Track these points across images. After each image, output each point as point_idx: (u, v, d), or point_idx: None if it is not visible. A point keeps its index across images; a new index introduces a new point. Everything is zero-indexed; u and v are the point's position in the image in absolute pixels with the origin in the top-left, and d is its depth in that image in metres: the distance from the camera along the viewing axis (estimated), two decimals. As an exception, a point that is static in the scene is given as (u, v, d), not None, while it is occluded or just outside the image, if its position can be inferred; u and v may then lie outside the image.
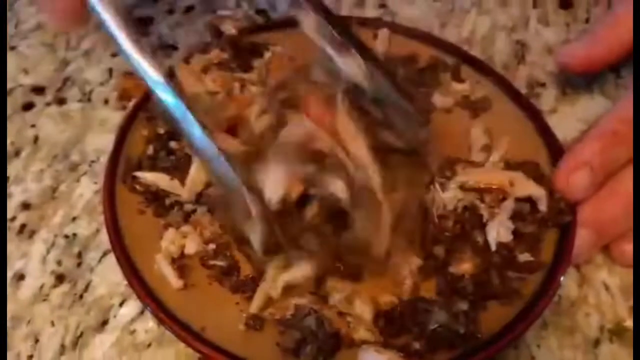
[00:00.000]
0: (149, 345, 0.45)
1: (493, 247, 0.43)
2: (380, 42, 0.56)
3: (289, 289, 0.43)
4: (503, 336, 0.41)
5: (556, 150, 0.49)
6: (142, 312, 0.47)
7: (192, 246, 0.45)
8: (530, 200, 0.44)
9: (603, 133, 0.45)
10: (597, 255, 0.49)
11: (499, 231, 0.42)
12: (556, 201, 0.45)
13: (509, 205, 0.44)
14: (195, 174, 0.47)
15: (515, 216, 0.44)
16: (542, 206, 0.44)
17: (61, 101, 0.60)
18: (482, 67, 0.55)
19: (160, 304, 0.42)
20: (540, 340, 0.45)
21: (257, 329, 0.42)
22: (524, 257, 0.43)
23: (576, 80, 0.59)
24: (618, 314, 0.46)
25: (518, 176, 0.45)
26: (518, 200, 0.44)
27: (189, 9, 0.68)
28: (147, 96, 0.51)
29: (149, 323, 0.46)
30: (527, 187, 0.44)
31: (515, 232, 0.43)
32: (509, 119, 0.51)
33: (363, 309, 0.42)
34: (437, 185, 0.45)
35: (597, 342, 0.45)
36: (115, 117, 0.58)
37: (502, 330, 0.41)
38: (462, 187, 0.44)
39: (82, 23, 0.45)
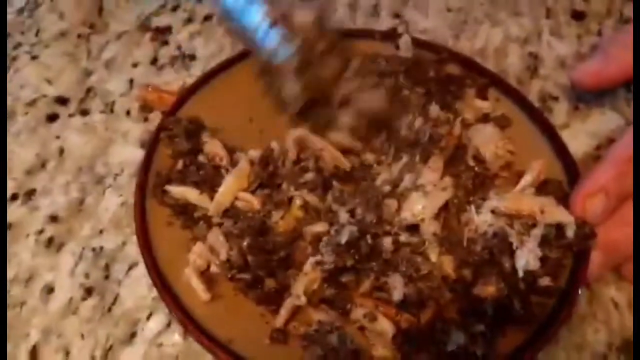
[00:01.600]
0: (177, 358, 0.47)
1: (520, 274, 0.44)
2: (404, 49, 0.58)
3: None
4: (518, 356, 0.43)
5: (573, 171, 0.50)
6: (168, 325, 0.49)
7: (218, 261, 0.47)
8: (557, 225, 0.46)
9: (619, 159, 0.46)
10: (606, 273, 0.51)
11: (528, 260, 0.44)
12: (582, 226, 0.46)
13: (538, 232, 0.45)
14: (225, 189, 0.48)
15: (542, 242, 0.45)
16: (570, 232, 0.45)
17: (84, 112, 0.61)
18: (505, 87, 0.56)
19: (189, 316, 0.45)
20: (550, 357, 0.47)
21: (282, 343, 0.44)
22: (544, 281, 0.45)
23: (588, 95, 0.60)
24: (626, 331, 0.48)
25: (549, 203, 0.46)
26: (546, 225, 0.46)
27: (208, 17, 0.69)
28: (169, 112, 0.53)
29: (175, 336, 0.48)
30: (557, 214, 0.45)
31: (541, 258, 0.45)
32: (528, 137, 0.53)
33: (384, 326, 0.44)
34: (474, 208, 0.47)
35: (604, 359, 0.47)
36: (137, 129, 0.59)
37: (516, 351, 0.43)
38: (494, 212, 0.46)
39: None
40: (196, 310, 0.45)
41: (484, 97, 0.55)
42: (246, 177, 0.49)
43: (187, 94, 0.54)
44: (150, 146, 0.51)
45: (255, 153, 0.50)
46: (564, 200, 0.47)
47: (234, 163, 0.50)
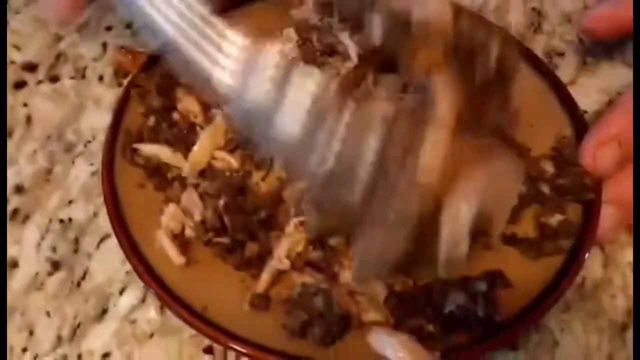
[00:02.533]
0: (151, 335, 0.43)
1: None
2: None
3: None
4: (523, 318, 0.39)
5: (581, 124, 0.46)
6: (143, 301, 0.44)
7: (193, 223, 0.43)
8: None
9: (630, 107, 0.42)
10: (621, 235, 0.46)
11: None
12: (580, 176, 0.42)
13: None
14: (200, 148, 0.44)
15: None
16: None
17: (54, 79, 0.57)
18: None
19: (161, 282, 0.40)
20: (564, 324, 0.43)
21: (263, 309, 0.40)
22: (556, 219, 0.42)
23: (596, 49, 0.56)
24: (645, 297, 0.44)
25: None
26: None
27: None
28: (141, 69, 0.49)
29: (151, 312, 0.44)
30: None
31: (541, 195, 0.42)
32: (530, 91, 0.48)
33: (375, 289, 0.40)
34: None
35: (624, 327, 0.43)
36: (110, 95, 0.55)
37: (522, 312, 0.39)
38: None
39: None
40: (169, 275, 0.41)
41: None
42: (222, 134, 0.44)
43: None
44: (120, 103, 0.47)
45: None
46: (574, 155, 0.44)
47: (209, 120, 0.45)
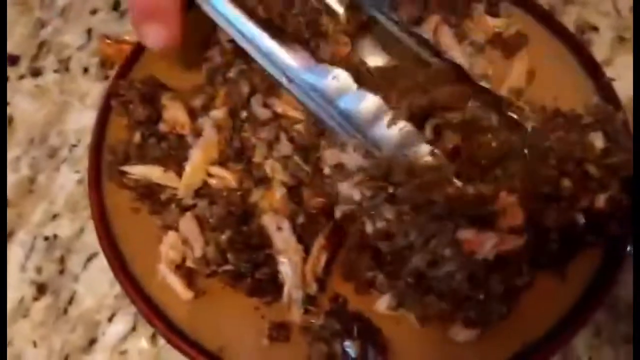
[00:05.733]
0: (143, 368, 0.40)
1: None
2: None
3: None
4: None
5: (607, 91, 0.41)
6: (134, 329, 0.41)
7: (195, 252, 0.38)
8: None
9: None
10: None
11: None
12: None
13: None
14: (193, 166, 0.39)
15: None
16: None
17: (36, 72, 0.52)
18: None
19: (169, 322, 0.36)
20: (593, 351, 0.39)
21: (283, 341, 0.37)
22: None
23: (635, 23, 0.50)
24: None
25: None
26: None
27: None
28: (119, 74, 0.44)
29: (142, 342, 0.41)
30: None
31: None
32: (549, 56, 0.43)
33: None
34: None
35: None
36: (96, 89, 0.51)
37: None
38: None
39: None
40: (177, 313, 0.37)
41: (494, 14, 0.45)
42: (215, 147, 0.40)
43: (139, 48, 0.44)
44: (101, 117, 0.42)
45: (219, 113, 0.41)
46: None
47: (197, 130, 0.41)
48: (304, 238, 0.38)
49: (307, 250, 0.38)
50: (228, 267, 0.37)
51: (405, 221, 0.35)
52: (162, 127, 0.42)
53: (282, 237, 0.37)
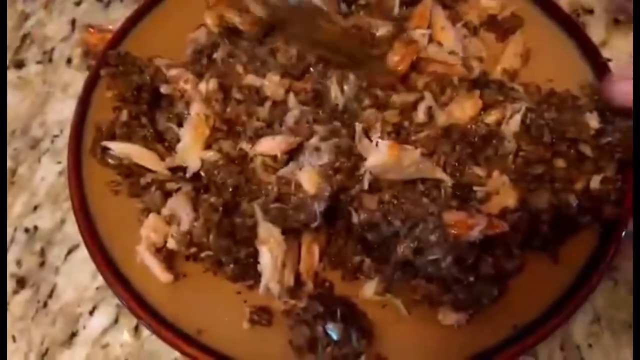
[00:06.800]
0: (125, 361, 0.39)
1: None
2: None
3: None
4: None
5: (604, 72, 0.40)
6: (116, 321, 0.40)
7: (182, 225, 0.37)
8: None
9: None
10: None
11: None
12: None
13: None
14: (184, 147, 0.38)
15: None
16: None
17: (19, 64, 0.51)
18: None
19: (147, 305, 0.36)
20: (592, 338, 0.38)
21: (265, 325, 0.36)
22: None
23: (630, 5, 0.48)
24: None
25: None
26: None
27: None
28: (111, 47, 0.43)
29: (124, 334, 0.39)
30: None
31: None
32: (544, 38, 0.43)
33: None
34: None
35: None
36: (79, 80, 0.49)
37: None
38: None
39: None
40: (155, 296, 0.36)
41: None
42: (205, 123, 0.38)
43: (130, 23, 0.44)
44: (86, 90, 0.41)
45: (210, 85, 0.40)
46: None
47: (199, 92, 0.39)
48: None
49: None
50: (208, 253, 0.36)
51: (388, 210, 0.34)
52: (164, 89, 0.41)
53: (267, 227, 0.36)
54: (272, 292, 0.35)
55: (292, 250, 0.36)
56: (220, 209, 0.36)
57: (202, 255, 0.37)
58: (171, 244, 0.37)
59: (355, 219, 0.35)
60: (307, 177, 0.35)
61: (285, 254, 0.36)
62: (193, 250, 0.37)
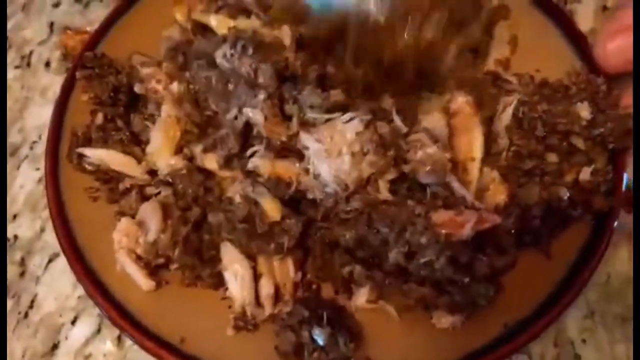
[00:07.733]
0: (108, 372, 0.38)
1: None
2: None
3: None
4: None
5: (592, 61, 0.39)
6: (98, 331, 0.39)
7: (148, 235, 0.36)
8: None
9: None
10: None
11: None
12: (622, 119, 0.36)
13: None
14: (155, 148, 0.37)
15: None
16: None
17: (-3, 69, 0.50)
18: None
19: (128, 313, 0.35)
20: (586, 333, 0.37)
21: (250, 330, 0.35)
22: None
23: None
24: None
25: None
26: None
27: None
28: (89, 48, 0.42)
29: (107, 344, 0.38)
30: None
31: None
32: (532, 27, 0.42)
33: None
34: None
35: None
36: (57, 83, 0.47)
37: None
38: None
39: None
40: (136, 305, 0.35)
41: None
42: (175, 125, 0.37)
43: (108, 23, 0.43)
44: (63, 94, 0.40)
45: (179, 86, 0.38)
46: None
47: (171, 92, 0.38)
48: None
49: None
50: (175, 266, 0.36)
51: (369, 217, 0.33)
52: (137, 88, 0.40)
53: (229, 251, 0.35)
54: (248, 314, 0.35)
55: (267, 262, 0.36)
56: (191, 222, 0.36)
57: (171, 267, 0.36)
58: (140, 251, 0.36)
59: (342, 241, 0.34)
60: (266, 201, 0.34)
61: (255, 269, 0.35)
62: (160, 261, 0.36)
